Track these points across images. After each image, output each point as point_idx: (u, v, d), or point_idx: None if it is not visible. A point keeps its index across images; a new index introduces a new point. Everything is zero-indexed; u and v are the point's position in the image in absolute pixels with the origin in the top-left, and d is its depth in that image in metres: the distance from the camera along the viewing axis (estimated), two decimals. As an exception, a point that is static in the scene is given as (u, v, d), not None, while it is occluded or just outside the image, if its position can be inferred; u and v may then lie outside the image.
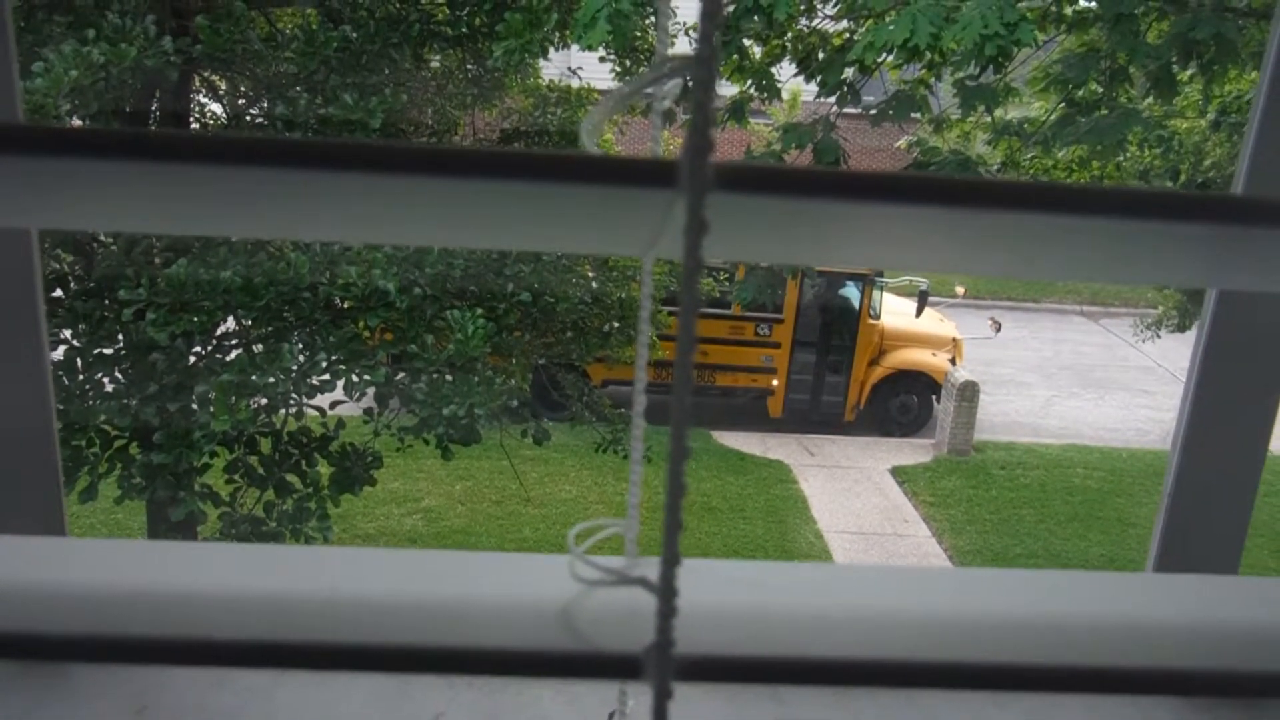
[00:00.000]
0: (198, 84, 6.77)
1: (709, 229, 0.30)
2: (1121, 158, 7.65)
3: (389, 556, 0.54)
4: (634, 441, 0.46)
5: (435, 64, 6.97)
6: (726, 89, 6.66)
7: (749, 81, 6.46)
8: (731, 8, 6.22)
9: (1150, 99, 6.46)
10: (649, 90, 0.38)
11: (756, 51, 6.60)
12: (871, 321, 11.97)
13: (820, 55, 6.37)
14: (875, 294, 12.02)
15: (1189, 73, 6.19)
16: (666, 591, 0.33)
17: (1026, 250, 0.45)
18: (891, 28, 5.18)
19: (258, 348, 5.54)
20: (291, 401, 5.44)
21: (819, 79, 6.26)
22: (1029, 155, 7.12)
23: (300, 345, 5.44)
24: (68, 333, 5.41)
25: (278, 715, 0.67)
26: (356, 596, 0.50)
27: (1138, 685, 0.67)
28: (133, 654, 0.65)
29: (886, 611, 0.59)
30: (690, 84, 0.32)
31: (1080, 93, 6.18)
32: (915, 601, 0.62)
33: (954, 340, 12.33)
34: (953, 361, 12.01)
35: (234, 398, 5.04)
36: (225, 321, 5.64)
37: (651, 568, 0.45)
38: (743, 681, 0.56)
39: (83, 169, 0.43)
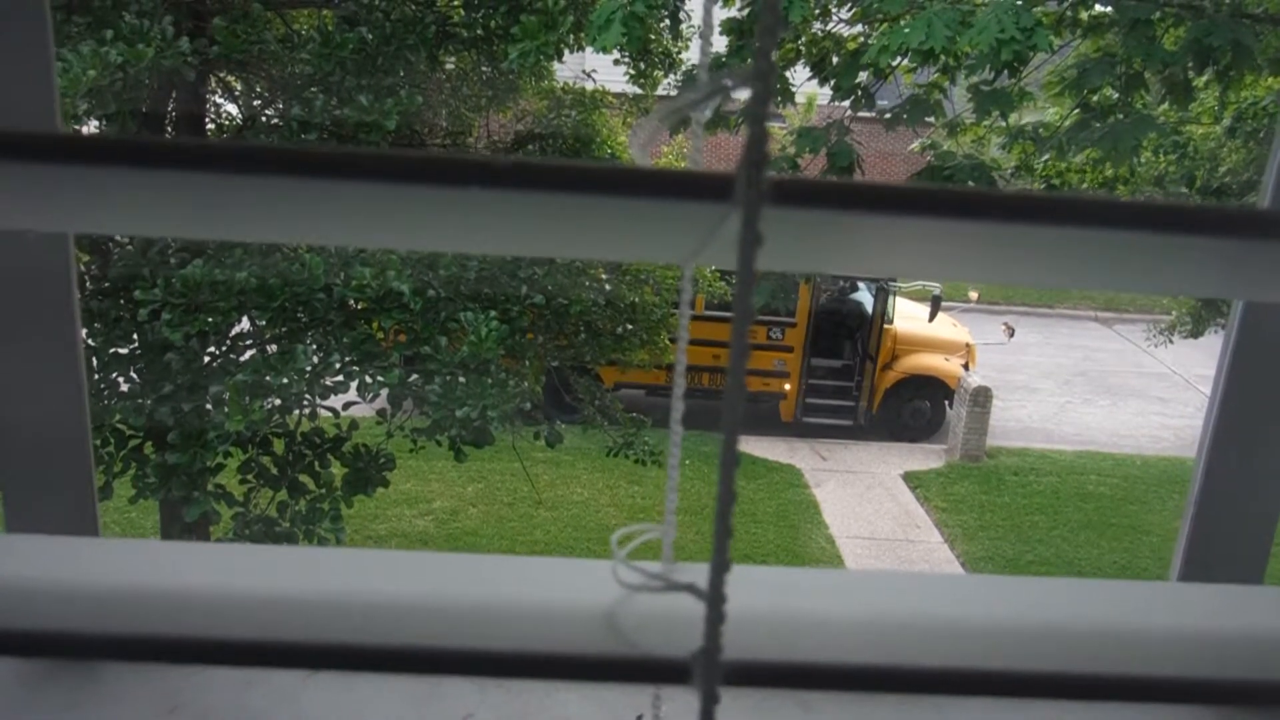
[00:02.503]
0: (214, 85, 6.81)
1: (763, 242, 0.31)
2: (1136, 162, 7.62)
3: (429, 560, 0.55)
4: (672, 448, 0.47)
5: (450, 66, 6.99)
6: (741, 92, 6.65)
7: (763, 85, 6.44)
8: (746, 11, 6.23)
9: (1166, 105, 6.44)
10: (700, 103, 0.38)
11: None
12: (884, 326, 11.94)
13: (835, 59, 6.37)
14: (888, 298, 11.99)
15: (1205, 79, 6.16)
16: (715, 597, 0.34)
17: (1061, 261, 0.45)
18: (907, 31, 5.17)
19: (272, 348, 5.56)
20: (305, 402, 5.46)
21: (833, 83, 6.25)
22: (1043, 159, 7.09)
23: (314, 346, 5.45)
24: (84, 332, 5.43)
25: (308, 716, 0.68)
26: (398, 599, 0.50)
27: (1163, 694, 0.67)
28: (165, 653, 0.66)
29: (915, 618, 0.60)
30: (743, 99, 0.32)
31: (1095, 98, 6.16)
32: (942, 608, 0.63)
33: (967, 345, 12.29)
34: (966, 367, 11.97)
35: (248, 398, 5.06)
36: (240, 322, 5.66)
37: (691, 573, 0.45)
38: (777, 686, 0.57)
39: (116, 177, 0.44)
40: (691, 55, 7.20)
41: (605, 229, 0.39)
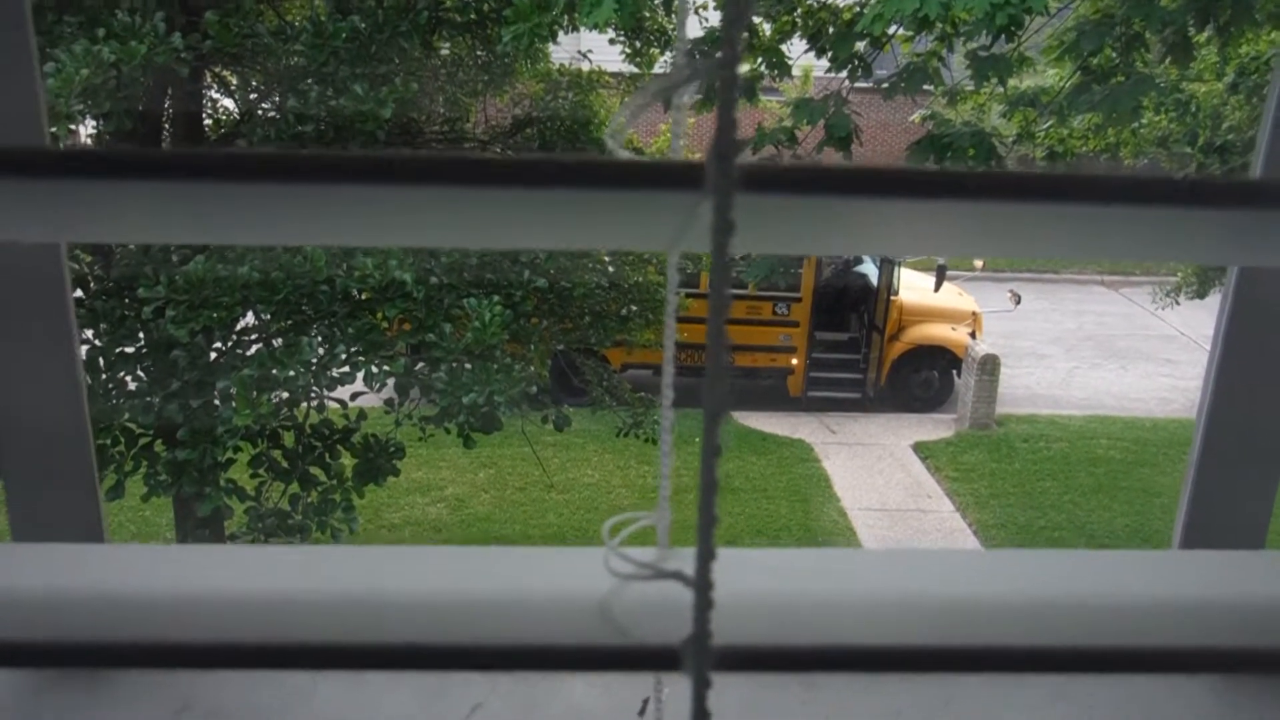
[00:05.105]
0: (209, 79, 6.80)
1: (735, 229, 0.31)
2: (1138, 124, 7.57)
3: (422, 554, 0.55)
4: (663, 434, 0.47)
5: (445, 51, 6.96)
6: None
7: (759, 59, 6.42)
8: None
9: (1166, 63, 6.39)
10: (672, 90, 0.38)
11: (766, 29, 6.56)
12: (890, 297, 11.91)
13: (831, 30, 6.32)
14: (893, 270, 11.96)
15: (1205, 35, 6.11)
16: (702, 585, 0.34)
17: (1044, 237, 0.45)
18: (902, -1, 5.13)
19: (277, 342, 5.57)
20: (312, 394, 5.48)
21: (830, 54, 6.21)
22: (1045, 125, 7.04)
23: (319, 338, 5.47)
24: (89, 333, 5.46)
25: (319, 712, 0.68)
26: (392, 595, 0.50)
27: (1166, 664, 0.67)
28: (174, 659, 0.66)
29: (915, 596, 0.60)
30: (713, 86, 0.32)
31: (1095, 60, 6.11)
32: (943, 585, 0.63)
33: (973, 314, 12.26)
34: (973, 335, 11.95)
35: (255, 392, 5.07)
36: (244, 316, 5.67)
37: (685, 559, 0.45)
38: (775, 670, 0.57)
39: (106, 189, 0.44)
40: (688, 30, 7.16)
41: (586, 219, 0.39)
